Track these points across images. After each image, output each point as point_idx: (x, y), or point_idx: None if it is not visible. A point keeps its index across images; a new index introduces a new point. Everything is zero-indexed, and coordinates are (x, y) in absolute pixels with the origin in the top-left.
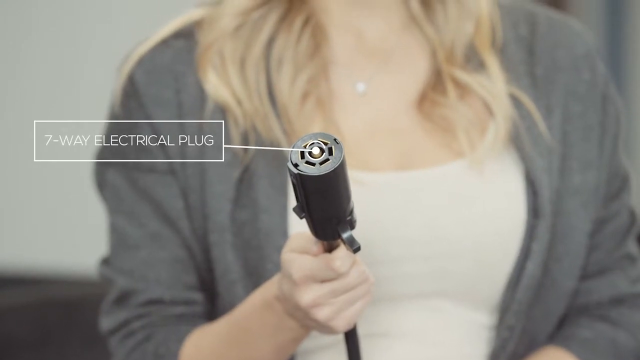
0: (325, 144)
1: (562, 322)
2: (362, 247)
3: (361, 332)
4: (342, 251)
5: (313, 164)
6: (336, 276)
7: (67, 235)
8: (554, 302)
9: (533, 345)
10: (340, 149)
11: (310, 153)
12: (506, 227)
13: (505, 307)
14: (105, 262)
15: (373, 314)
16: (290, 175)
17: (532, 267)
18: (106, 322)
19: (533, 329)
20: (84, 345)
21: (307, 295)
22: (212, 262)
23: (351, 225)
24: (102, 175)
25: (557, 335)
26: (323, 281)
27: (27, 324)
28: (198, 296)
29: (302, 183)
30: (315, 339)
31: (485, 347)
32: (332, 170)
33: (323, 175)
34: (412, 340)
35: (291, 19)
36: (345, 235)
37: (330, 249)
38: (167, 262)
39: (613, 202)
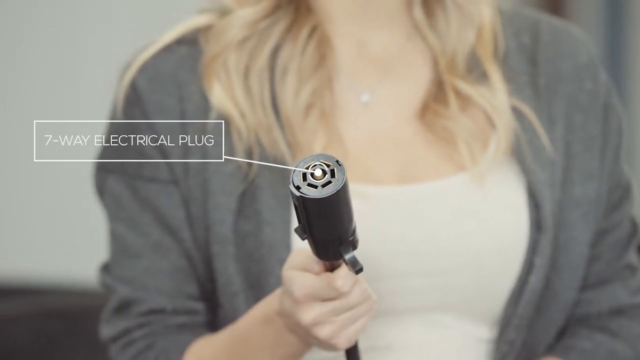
0: (328, 165)
1: (562, 333)
2: (365, 261)
3: (362, 345)
4: (343, 270)
5: (315, 186)
6: (338, 295)
7: (68, 238)
8: (554, 314)
9: (532, 357)
10: (343, 171)
11: (312, 174)
12: (508, 241)
13: (506, 322)
14: (105, 269)
15: (374, 328)
16: (292, 197)
17: (535, 281)
18: (107, 330)
19: (533, 341)
20: (87, 354)
21: (308, 314)
22: (213, 272)
23: (353, 245)
24: (103, 182)
25: (556, 345)
26: (324, 300)
27: (30, 334)
28: (199, 306)
29: (304, 205)
30: (316, 353)
31: None
32: (334, 193)
33: (325, 198)
34: (413, 354)
35: (297, 29)
36: (347, 257)
37: (332, 268)
38: (169, 272)
39: (614, 213)
